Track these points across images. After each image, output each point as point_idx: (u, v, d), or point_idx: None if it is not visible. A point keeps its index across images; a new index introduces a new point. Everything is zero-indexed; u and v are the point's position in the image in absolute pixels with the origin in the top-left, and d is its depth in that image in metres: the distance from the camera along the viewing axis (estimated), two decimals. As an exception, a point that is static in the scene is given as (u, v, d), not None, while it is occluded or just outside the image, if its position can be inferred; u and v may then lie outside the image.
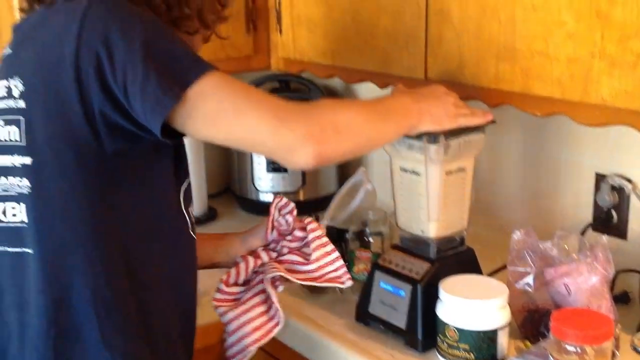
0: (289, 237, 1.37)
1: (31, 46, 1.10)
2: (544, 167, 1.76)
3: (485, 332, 1.27)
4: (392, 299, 1.41)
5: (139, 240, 1.12)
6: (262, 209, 2.02)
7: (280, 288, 1.35)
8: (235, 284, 1.35)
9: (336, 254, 1.36)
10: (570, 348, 1.13)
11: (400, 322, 1.39)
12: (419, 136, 1.32)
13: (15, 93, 1.07)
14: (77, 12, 1.04)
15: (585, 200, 1.67)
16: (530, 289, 1.33)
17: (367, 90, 2.09)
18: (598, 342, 1.12)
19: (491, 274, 1.56)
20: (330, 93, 2.28)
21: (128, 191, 1.09)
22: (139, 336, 1.11)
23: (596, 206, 1.64)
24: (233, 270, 1.35)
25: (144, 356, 1.12)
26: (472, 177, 1.43)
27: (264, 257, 1.37)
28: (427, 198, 1.37)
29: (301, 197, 2.12)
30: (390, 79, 1.63)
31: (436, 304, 1.33)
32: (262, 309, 1.33)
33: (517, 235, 1.35)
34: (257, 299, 1.35)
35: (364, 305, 1.47)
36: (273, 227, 1.37)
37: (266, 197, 2.12)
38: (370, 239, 1.63)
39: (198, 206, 2.08)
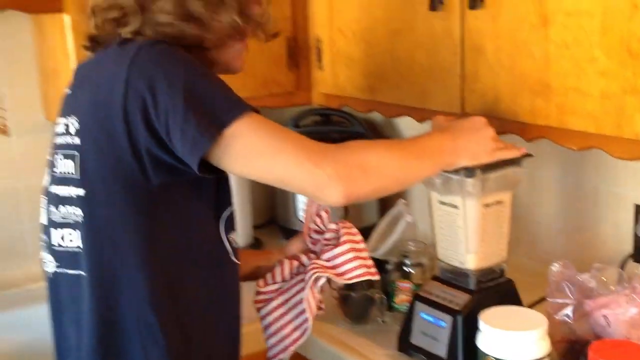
0: (327, 235, 1.40)
1: (87, 88, 1.19)
2: (583, 199, 1.78)
3: (524, 363, 1.30)
4: (433, 330, 1.45)
5: (180, 267, 1.19)
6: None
7: (322, 281, 1.36)
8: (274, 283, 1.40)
9: (363, 245, 1.38)
10: (608, 379, 1.15)
11: (442, 352, 1.42)
12: (456, 170, 1.36)
13: (72, 130, 1.16)
14: (126, 58, 1.12)
15: (625, 231, 1.68)
16: (569, 320, 1.35)
17: (406, 123, 2.14)
18: (635, 373, 1.14)
19: (532, 305, 1.58)
20: (371, 126, 2.33)
21: (171, 221, 1.16)
22: None
23: (636, 237, 1.65)
24: (269, 274, 1.41)
25: None
26: (511, 210, 1.47)
27: (304, 259, 1.41)
28: (465, 231, 1.41)
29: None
30: (427, 113, 1.68)
31: (476, 335, 1.36)
32: (301, 308, 1.38)
33: (555, 267, 1.38)
34: (297, 299, 1.39)
35: (405, 336, 1.51)
36: (309, 230, 1.43)
37: (309, 228, 2.17)
38: (411, 270, 1.67)
39: (243, 236, 2.14)
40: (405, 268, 1.67)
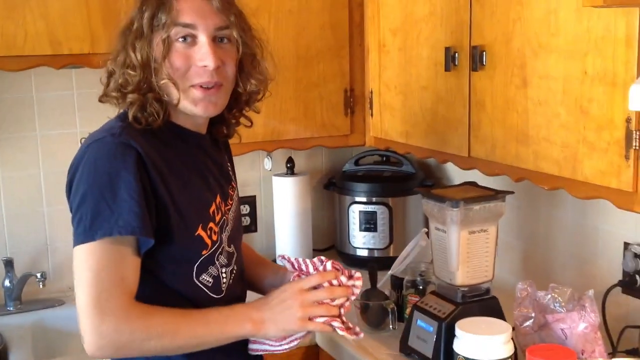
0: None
1: None
2: (585, 236, 2.01)
3: (488, 362, 1.57)
4: (424, 334, 1.74)
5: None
6: (357, 262, 2.44)
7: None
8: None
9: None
10: (540, 375, 1.41)
11: (428, 352, 1.72)
12: (444, 201, 1.67)
13: None
14: (77, 156, 1.41)
15: (616, 265, 1.90)
16: (531, 331, 1.61)
17: (453, 166, 2.44)
18: (559, 370, 1.39)
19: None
20: (426, 168, 2.65)
21: (148, 276, 1.41)
22: None
23: (624, 271, 1.87)
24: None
25: None
26: (496, 237, 1.75)
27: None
28: (451, 252, 1.71)
29: (391, 252, 2.48)
30: (446, 156, 1.99)
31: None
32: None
33: (520, 286, 1.64)
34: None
35: (405, 339, 1.81)
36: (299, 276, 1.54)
37: (360, 252, 2.51)
38: (421, 287, 1.96)
39: (304, 258, 2.51)
40: (417, 285, 1.97)
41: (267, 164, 2.59)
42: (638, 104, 1.25)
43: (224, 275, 1.51)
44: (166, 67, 1.41)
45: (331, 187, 2.63)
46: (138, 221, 1.33)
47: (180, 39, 1.41)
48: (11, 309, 2.23)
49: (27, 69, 2.05)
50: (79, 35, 2.03)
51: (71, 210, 1.39)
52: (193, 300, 1.46)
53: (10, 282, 2.23)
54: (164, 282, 1.44)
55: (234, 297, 1.54)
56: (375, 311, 1.95)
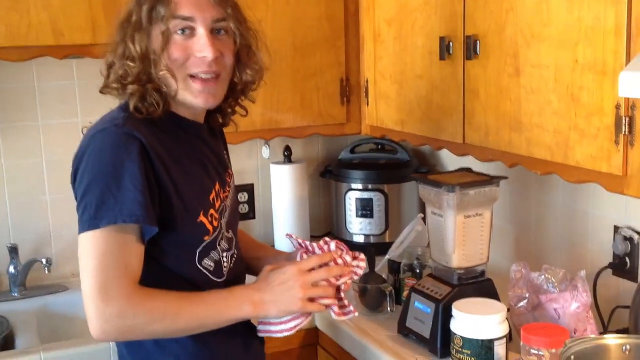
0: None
1: None
2: (576, 220, 2.08)
3: (483, 341, 1.63)
4: (422, 315, 1.80)
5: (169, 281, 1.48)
6: (354, 248, 2.46)
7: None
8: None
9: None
10: (533, 351, 1.47)
11: (426, 333, 1.78)
12: (441, 186, 1.73)
13: None
14: (81, 145, 1.45)
15: (606, 248, 1.96)
16: (525, 311, 1.67)
17: (447, 153, 2.49)
18: (551, 346, 1.45)
19: (515, 304, 1.89)
20: (420, 155, 2.70)
21: (153, 260, 1.46)
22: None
23: (614, 253, 1.93)
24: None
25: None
26: (491, 220, 1.80)
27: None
28: (447, 236, 1.76)
29: (387, 238, 2.53)
30: (441, 143, 2.05)
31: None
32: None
33: (515, 267, 1.70)
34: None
35: (402, 321, 1.87)
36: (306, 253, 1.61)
37: (357, 238, 2.57)
38: (418, 270, 2.02)
39: (301, 244, 2.56)
40: (414, 268, 2.03)
41: (265, 152, 2.64)
42: (627, 90, 1.30)
43: (224, 259, 1.56)
44: (164, 59, 1.45)
45: (327, 175, 2.68)
46: (142, 210, 1.38)
47: (179, 31, 1.45)
48: (16, 294, 2.28)
49: (30, 59, 2.09)
50: (81, 26, 2.07)
51: (76, 199, 1.44)
52: (196, 284, 1.50)
53: (14, 268, 2.28)
54: (167, 267, 1.49)
55: (235, 280, 1.60)
56: (373, 294, 2.01)
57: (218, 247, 1.54)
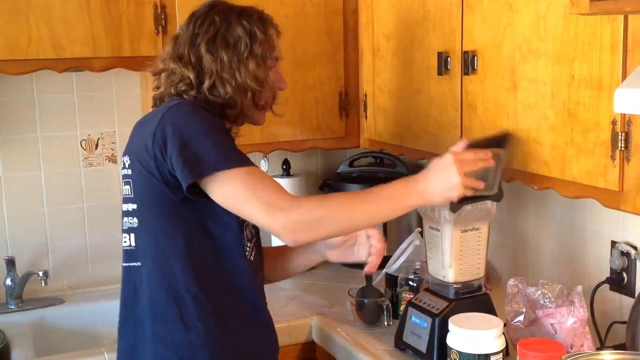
0: None
1: (136, 136, 1.66)
2: (573, 235, 2.08)
3: (479, 356, 1.62)
4: (418, 330, 1.80)
5: (207, 256, 1.61)
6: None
7: None
8: None
9: None
10: (530, 367, 1.47)
11: (422, 347, 1.77)
12: (438, 202, 1.73)
13: (127, 164, 1.64)
14: (158, 115, 1.59)
15: (604, 263, 1.96)
16: (521, 326, 1.67)
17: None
18: (547, 362, 1.45)
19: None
20: (416, 169, 2.70)
21: (196, 224, 1.60)
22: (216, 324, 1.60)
23: (611, 269, 1.93)
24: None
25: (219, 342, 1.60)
26: (488, 235, 1.81)
27: None
28: (444, 250, 1.76)
29: (384, 252, 2.52)
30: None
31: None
32: None
33: (511, 282, 1.70)
34: None
35: (399, 335, 1.86)
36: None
37: (355, 253, 2.56)
38: (415, 284, 2.02)
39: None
40: (411, 282, 2.03)
41: (264, 165, 2.65)
42: (623, 106, 1.31)
43: (248, 246, 1.67)
44: (265, 92, 1.71)
45: (326, 189, 2.68)
46: (244, 156, 1.55)
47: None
48: (12, 307, 2.28)
49: (30, 72, 2.10)
50: (81, 39, 2.08)
51: (175, 157, 1.51)
52: (233, 255, 1.63)
53: (11, 280, 2.28)
54: (216, 236, 1.61)
55: (258, 266, 1.73)
56: (371, 308, 2.01)
57: (245, 231, 1.66)
